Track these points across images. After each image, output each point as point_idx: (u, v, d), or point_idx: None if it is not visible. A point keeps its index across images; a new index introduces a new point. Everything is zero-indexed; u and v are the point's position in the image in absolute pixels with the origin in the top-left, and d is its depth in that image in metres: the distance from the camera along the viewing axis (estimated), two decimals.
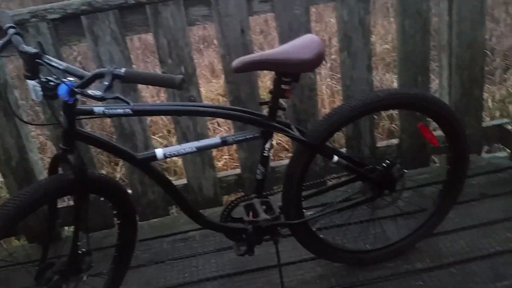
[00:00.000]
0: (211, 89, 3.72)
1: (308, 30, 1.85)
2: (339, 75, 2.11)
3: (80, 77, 1.17)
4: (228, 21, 1.81)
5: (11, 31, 1.26)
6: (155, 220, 2.11)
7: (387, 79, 3.42)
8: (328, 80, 3.32)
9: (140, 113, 1.29)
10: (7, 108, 1.79)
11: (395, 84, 2.94)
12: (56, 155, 1.33)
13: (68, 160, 1.28)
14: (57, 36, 1.75)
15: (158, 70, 2.42)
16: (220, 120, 3.03)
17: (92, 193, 1.37)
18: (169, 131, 3.20)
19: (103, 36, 1.76)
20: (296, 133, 1.44)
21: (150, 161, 1.39)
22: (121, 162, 2.84)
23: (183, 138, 1.97)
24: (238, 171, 2.12)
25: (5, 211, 1.17)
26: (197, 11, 1.81)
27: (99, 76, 1.12)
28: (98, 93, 1.07)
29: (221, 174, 2.16)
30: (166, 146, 2.91)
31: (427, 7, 1.88)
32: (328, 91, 3.20)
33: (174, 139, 3.00)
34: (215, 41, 3.07)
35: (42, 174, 1.99)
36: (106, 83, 1.09)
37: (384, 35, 4.16)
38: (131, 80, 1.13)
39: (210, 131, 2.78)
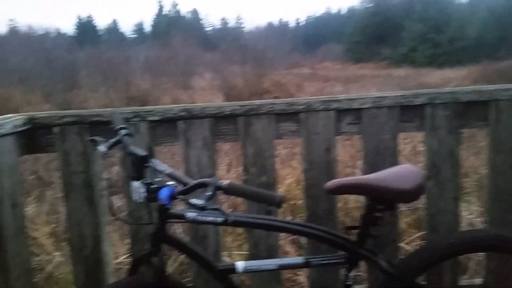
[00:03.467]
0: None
1: (395, 155, 1.84)
2: (419, 205, 2.03)
3: (182, 183, 1.19)
4: (314, 139, 1.84)
5: (123, 131, 1.34)
6: None
7: (473, 212, 3.26)
8: (405, 208, 3.20)
9: (232, 223, 1.29)
10: (109, 206, 1.82)
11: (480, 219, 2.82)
12: (140, 256, 1.33)
13: (151, 262, 1.26)
14: (153, 137, 1.84)
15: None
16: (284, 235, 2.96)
17: None
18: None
19: (195, 141, 1.84)
20: (384, 264, 1.37)
21: (229, 273, 1.35)
22: (173, 256, 2.80)
23: (255, 247, 1.92)
24: None
25: None
26: (286, 126, 1.87)
27: (202, 186, 1.14)
28: (200, 202, 1.08)
29: None
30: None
31: None
32: (409, 219, 3.08)
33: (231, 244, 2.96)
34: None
35: (110, 265, 1.98)
36: (209, 194, 1.10)
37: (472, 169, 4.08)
38: (233, 193, 1.13)
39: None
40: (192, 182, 1.17)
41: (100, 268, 1.92)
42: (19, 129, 1.75)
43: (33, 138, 1.84)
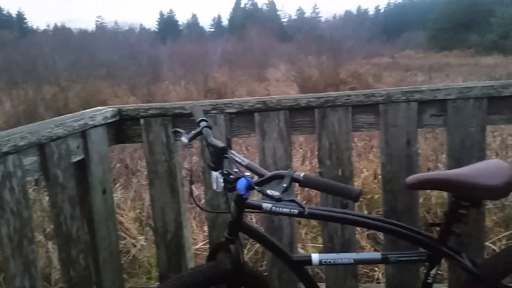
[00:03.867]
0: None
1: (482, 149, 1.73)
2: (507, 202, 1.90)
3: (259, 174, 1.22)
4: (394, 131, 1.79)
5: (203, 124, 1.39)
6: None
7: None
8: (491, 205, 3.00)
9: (308, 216, 1.29)
10: (190, 194, 1.90)
11: None
12: (218, 243, 1.37)
13: (228, 249, 1.31)
14: (231, 128, 1.89)
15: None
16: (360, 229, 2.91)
17: (244, 286, 1.37)
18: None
19: (270, 132, 1.86)
20: (468, 263, 1.30)
21: (305, 264, 1.36)
22: (248, 245, 2.86)
23: (329, 241, 1.91)
24: (382, 286, 1.97)
25: None
26: (363, 119, 1.83)
27: (278, 177, 1.15)
28: (276, 193, 1.10)
29: (363, 286, 2.02)
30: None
31: None
32: (495, 217, 2.89)
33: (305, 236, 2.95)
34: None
35: (190, 250, 2.07)
36: (284, 185, 1.11)
37: None
38: (309, 185, 1.14)
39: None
40: (269, 173, 1.19)
41: (181, 252, 2.01)
42: (108, 121, 1.87)
43: (121, 129, 1.96)
